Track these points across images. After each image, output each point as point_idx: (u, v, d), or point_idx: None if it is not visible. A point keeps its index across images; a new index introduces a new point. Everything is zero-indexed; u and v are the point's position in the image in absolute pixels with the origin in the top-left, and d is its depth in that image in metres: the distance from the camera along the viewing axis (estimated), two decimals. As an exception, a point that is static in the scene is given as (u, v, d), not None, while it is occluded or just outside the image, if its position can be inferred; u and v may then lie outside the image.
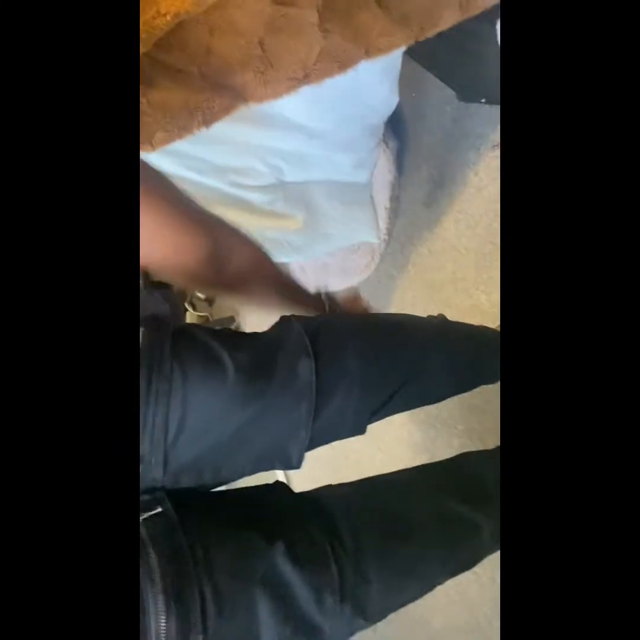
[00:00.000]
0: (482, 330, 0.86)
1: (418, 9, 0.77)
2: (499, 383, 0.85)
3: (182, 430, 0.53)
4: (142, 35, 0.67)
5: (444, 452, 1.26)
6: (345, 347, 0.63)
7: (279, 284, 0.71)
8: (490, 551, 0.73)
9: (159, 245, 0.51)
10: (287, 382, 0.58)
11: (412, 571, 0.63)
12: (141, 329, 0.55)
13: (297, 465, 0.60)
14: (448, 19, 0.79)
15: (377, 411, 0.66)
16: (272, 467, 0.61)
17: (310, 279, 1.82)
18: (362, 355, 0.63)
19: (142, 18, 0.65)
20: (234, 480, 0.61)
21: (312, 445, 0.61)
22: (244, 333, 0.65)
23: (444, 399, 0.83)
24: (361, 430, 0.66)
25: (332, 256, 1.71)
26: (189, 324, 0.68)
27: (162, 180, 0.54)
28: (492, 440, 1.27)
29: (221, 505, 0.60)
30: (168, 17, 0.64)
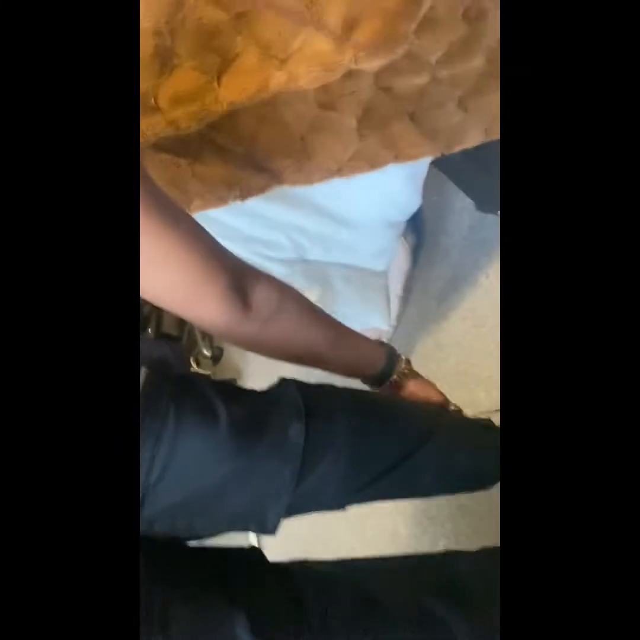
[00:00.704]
0: (484, 430, 0.83)
1: (447, 127, 0.85)
2: (492, 488, 0.83)
3: (165, 473, 0.53)
4: (199, 116, 0.75)
5: (428, 550, 1.23)
6: (338, 418, 0.62)
7: (326, 334, 0.62)
8: None
9: (177, 282, 0.49)
10: (276, 444, 0.57)
11: None
12: (143, 369, 0.56)
13: (273, 531, 0.59)
14: (473, 139, 0.88)
15: (360, 490, 0.65)
16: (247, 529, 0.60)
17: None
18: (354, 429, 0.63)
19: (201, 101, 0.74)
20: (206, 536, 0.60)
21: (290, 513, 0.60)
22: (243, 388, 0.66)
23: (432, 496, 0.81)
24: (341, 506, 0.65)
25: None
26: (191, 373, 0.69)
27: (181, 214, 0.52)
28: (479, 544, 1.24)
29: (190, 561, 0.58)
30: (224, 105, 0.72)
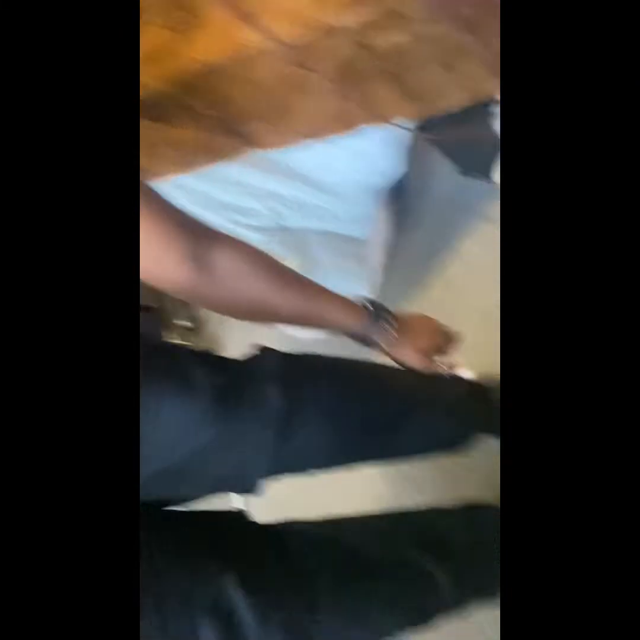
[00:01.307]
0: (465, 396, 0.83)
1: (430, 87, 0.82)
2: (473, 451, 0.85)
3: (149, 442, 0.53)
4: (174, 78, 0.71)
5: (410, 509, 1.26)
6: (321, 385, 0.64)
7: (285, 289, 0.60)
8: (446, 608, 0.73)
9: (144, 253, 0.48)
10: (257, 407, 0.58)
11: (364, 615, 0.63)
12: None
13: (257, 492, 0.60)
14: (457, 101, 0.85)
15: (341, 454, 0.66)
16: (233, 491, 0.61)
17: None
18: (337, 397, 0.64)
19: (176, 62, 0.70)
20: (193, 498, 0.61)
21: (273, 475, 0.61)
22: (222, 357, 0.66)
23: (414, 458, 0.83)
24: (324, 470, 0.66)
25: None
26: (170, 343, 0.68)
27: (150, 190, 0.52)
28: (460, 505, 1.27)
29: (180, 524, 0.60)
30: (196, 65, 0.68)
